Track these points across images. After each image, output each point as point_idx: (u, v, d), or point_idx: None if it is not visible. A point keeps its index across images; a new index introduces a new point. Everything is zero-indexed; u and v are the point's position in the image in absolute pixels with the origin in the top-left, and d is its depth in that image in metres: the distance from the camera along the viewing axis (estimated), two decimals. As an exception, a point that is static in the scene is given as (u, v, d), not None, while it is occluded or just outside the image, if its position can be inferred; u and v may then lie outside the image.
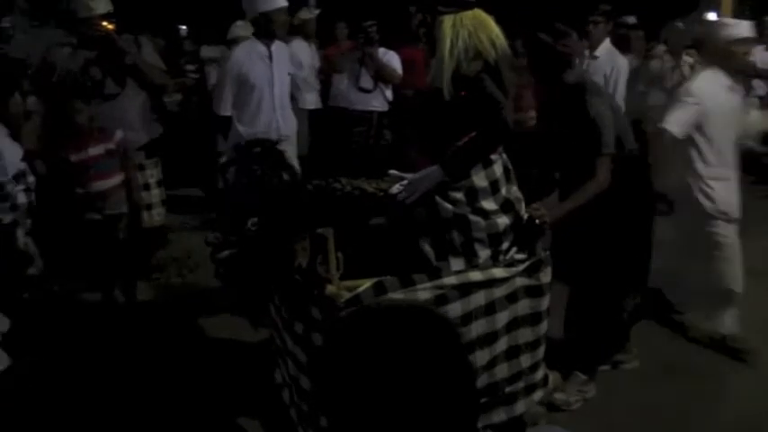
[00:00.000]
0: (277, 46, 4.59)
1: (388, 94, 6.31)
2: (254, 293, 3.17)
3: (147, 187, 5.17)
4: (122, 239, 4.50)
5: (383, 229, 2.89)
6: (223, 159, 4.66)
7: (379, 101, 6.28)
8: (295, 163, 4.60)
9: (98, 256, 4.47)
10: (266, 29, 4.46)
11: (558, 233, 3.16)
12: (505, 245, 2.85)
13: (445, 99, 2.72)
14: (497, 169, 2.86)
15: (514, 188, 2.95)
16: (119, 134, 4.52)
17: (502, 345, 2.84)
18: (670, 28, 6.87)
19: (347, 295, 2.49)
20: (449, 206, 2.78)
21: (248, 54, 4.50)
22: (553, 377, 3.27)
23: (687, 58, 6.58)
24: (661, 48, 7.13)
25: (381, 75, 6.09)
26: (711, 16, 9.25)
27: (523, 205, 2.96)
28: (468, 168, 2.78)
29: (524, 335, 2.90)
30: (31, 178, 4.18)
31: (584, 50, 5.82)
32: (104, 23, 4.65)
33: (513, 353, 2.89)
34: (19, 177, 4.10)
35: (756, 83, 7.92)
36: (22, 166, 4.13)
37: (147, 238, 5.19)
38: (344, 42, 7.52)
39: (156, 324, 4.45)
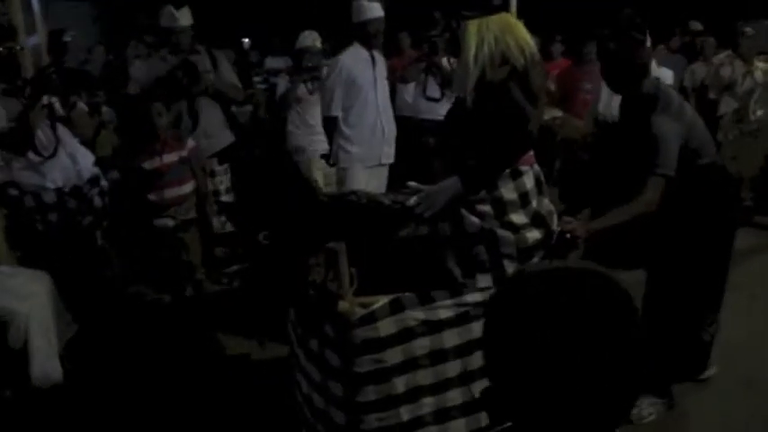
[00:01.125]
0: (377, 53, 4.82)
1: (455, 102, 6.34)
2: (267, 308, 3.11)
3: (217, 194, 5.30)
4: (192, 245, 4.61)
5: (405, 242, 2.75)
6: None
7: (446, 110, 6.29)
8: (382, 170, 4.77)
9: (168, 261, 4.55)
10: (367, 36, 4.69)
11: (631, 247, 3.05)
12: (535, 260, 2.70)
13: (468, 107, 2.64)
14: (528, 181, 2.73)
15: (546, 201, 2.82)
16: (191, 142, 4.65)
17: None
18: (740, 33, 6.72)
19: (361, 312, 2.42)
20: (475, 220, 2.65)
21: (354, 59, 4.71)
22: None
23: (760, 64, 6.43)
24: (725, 54, 6.99)
25: (448, 84, 6.13)
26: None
27: (555, 218, 2.82)
28: (489, 181, 2.66)
29: None
30: (104, 182, 4.34)
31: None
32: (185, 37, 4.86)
33: None
34: (93, 181, 4.26)
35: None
36: (96, 170, 4.30)
37: (218, 244, 5.29)
38: (409, 52, 7.58)
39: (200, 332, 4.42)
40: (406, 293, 2.49)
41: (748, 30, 6.68)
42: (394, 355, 2.47)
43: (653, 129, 3.00)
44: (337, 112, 4.72)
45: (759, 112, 6.37)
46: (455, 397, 2.60)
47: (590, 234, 2.79)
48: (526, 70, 2.62)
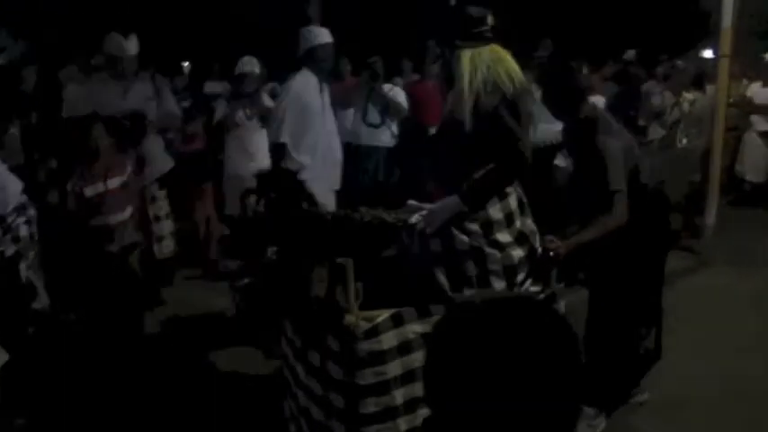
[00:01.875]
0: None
1: (395, 129, 6.41)
2: (269, 322, 3.18)
3: (157, 219, 5.26)
4: (134, 270, 4.55)
5: (397, 259, 2.91)
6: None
7: (386, 136, 6.40)
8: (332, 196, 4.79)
9: (109, 287, 4.47)
10: (316, 62, 4.66)
11: (571, 266, 3.19)
12: (520, 277, 2.84)
13: (465, 131, 2.75)
14: (512, 202, 2.87)
15: (529, 221, 2.96)
16: (129, 167, 4.61)
17: None
18: (670, 66, 7.04)
19: (366, 326, 2.51)
20: (465, 238, 2.79)
21: (305, 85, 4.66)
22: None
23: (687, 96, 6.72)
24: (654, 83, 7.32)
25: (388, 110, 6.20)
26: (708, 54, 9.42)
27: (538, 237, 2.97)
28: (487, 200, 2.81)
29: None
30: (32, 211, 4.21)
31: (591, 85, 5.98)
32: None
33: None
34: (20, 210, 4.14)
35: (755, 118, 8.05)
36: (23, 198, 4.17)
37: (158, 270, 5.23)
38: (349, 78, 7.64)
39: (166, 355, 4.46)
40: (406, 307, 2.60)
41: (680, 63, 7.02)
42: (395, 368, 2.57)
43: (599, 148, 3.23)
44: (286, 138, 4.62)
45: (684, 141, 6.66)
46: None
47: (570, 251, 2.99)
48: (515, 97, 2.77)
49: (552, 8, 16.02)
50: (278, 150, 4.68)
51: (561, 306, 2.90)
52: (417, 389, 2.60)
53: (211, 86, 9.48)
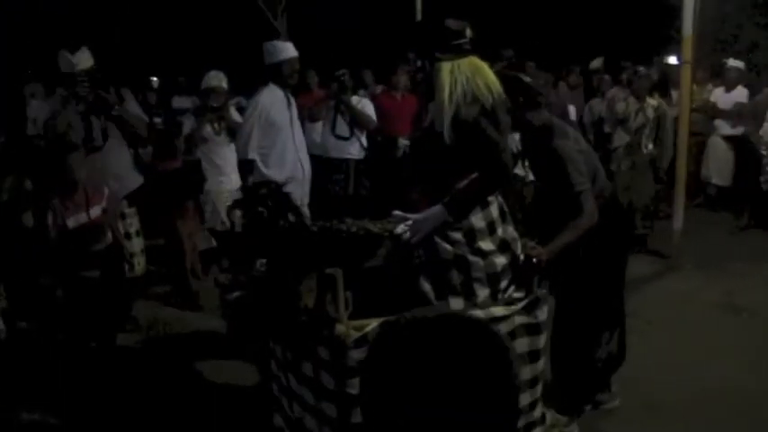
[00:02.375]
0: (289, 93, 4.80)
1: (364, 140, 6.41)
2: (259, 335, 3.19)
3: (128, 237, 5.21)
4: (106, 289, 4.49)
5: (383, 269, 2.94)
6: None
7: (355, 148, 6.41)
8: (305, 204, 4.74)
9: (83, 308, 4.40)
10: (282, 76, 4.66)
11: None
12: (503, 284, 2.90)
13: (446, 142, 2.79)
14: (494, 210, 2.92)
15: (510, 228, 3.00)
16: (106, 190, 4.61)
17: None
18: (633, 71, 7.13)
19: (356, 335, 2.53)
20: (448, 247, 2.83)
21: (272, 99, 4.65)
22: (550, 415, 3.29)
23: (651, 101, 6.81)
24: (618, 89, 7.42)
25: (357, 122, 6.21)
26: (672, 60, 9.56)
27: (519, 244, 3.02)
28: (471, 209, 2.85)
29: (523, 373, 2.87)
30: None
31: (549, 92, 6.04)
32: (87, 80, 4.78)
33: None
34: None
35: (719, 122, 8.18)
36: None
37: (129, 288, 5.17)
38: (317, 90, 7.65)
39: (151, 372, 4.40)
40: (395, 316, 2.59)
41: (642, 69, 7.10)
42: None
43: (558, 152, 3.30)
44: (253, 154, 4.62)
45: (650, 146, 6.75)
46: None
47: (552, 256, 3.06)
48: (494, 108, 2.82)
49: (516, 16, 16.21)
50: (245, 166, 4.67)
51: (544, 312, 2.93)
52: None
53: (179, 101, 9.46)
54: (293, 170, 4.70)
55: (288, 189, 4.54)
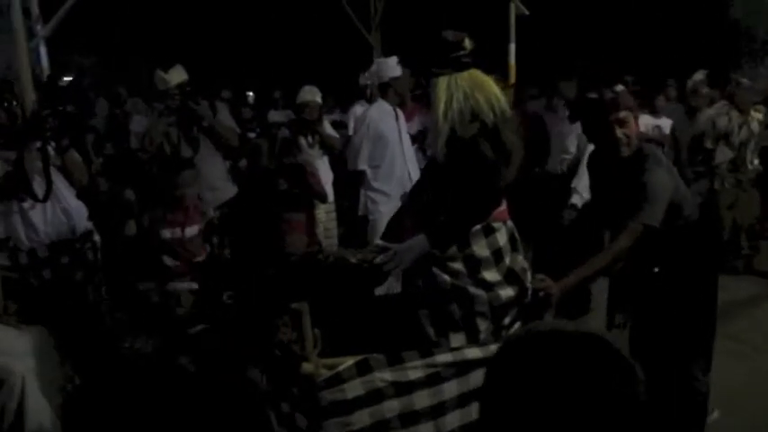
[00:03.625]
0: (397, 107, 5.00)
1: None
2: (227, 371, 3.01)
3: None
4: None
5: (378, 301, 2.76)
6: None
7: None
8: None
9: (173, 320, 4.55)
10: (390, 92, 4.94)
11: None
12: (509, 319, 2.69)
13: (439, 162, 2.63)
14: (501, 237, 2.72)
15: (520, 257, 2.80)
16: (210, 213, 4.74)
17: None
18: (735, 83, 6.82)
19: (326, 374, 2.34)
20: (447, 278, 2.65)
21: (380, 113, 4.90)
22: None
23: (756, 114, 6.51)
24: (722, 103, 7.10)
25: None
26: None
27: (529, 276, 2.79)
28: (457, 238, 2.64)
29: None
30: (96, 237, 4.32)
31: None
32: (177, 93, 4.97)
33: None
34: (86, 236, 4.23)
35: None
36: (89, 225, 4.28)
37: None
38: (410, 104, 7.67)
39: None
40: (374, 354, 2.41)
41: (744, 81, 6.79)
42: (362, 418, 2.37)
43: (646, 180, 2.93)
44: (363, 165, 4.88)
45: (756, 162, 6.44)
46: None
47: (564, 291, 2.71)
48: (496, 126, 2.63)
49: (609, 27, 15.88)
50: (357, 177, 4.95)
51: None
52: None
53: (274, 115, 9.69)
54: (402, 182, 4.88)
55: (396, 200, 4.75)
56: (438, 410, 2.46)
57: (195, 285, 4.49)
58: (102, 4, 13.01)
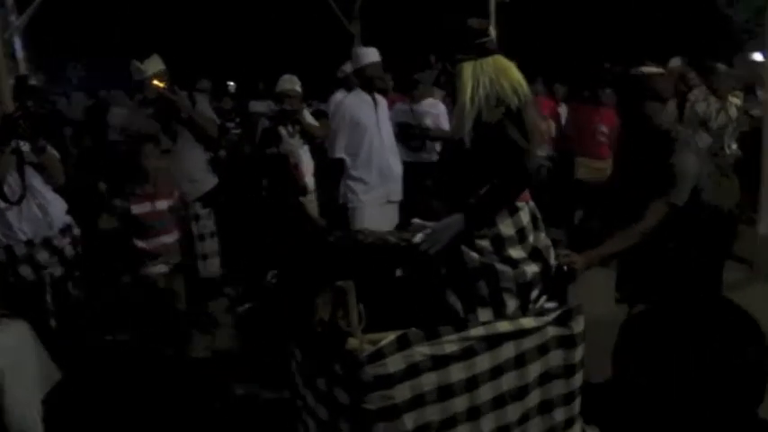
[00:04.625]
0: (377, 95, 5.03)
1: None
2: (273, 348, 3.09)
3: (202, 238, 5.32)
4: (178, 291, 4.61)
5: (408, 280, 2.83)
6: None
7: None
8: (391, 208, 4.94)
9: (152, 307, 4.55)
10: (366, 79, 4.93)
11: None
12: (534, 294, 2.79)
13: (467, 147, 2.71)
14: (524, 217, 2.82)
15: (543, 235, 2.89)
16: (176, 192, 4.71)
17: (534, 398, 2.71)
18: (712, 70, 6.86)
19: (369, 349, 2.42)
20: (475, 255, 2.75)
21: (357, 101, 4.92)
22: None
23: (734, 100, 6.56)
24: (699, 89, 7.14)
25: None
26: (758, 57, 9.17)
27: (552, 252, 2.90)
28: (491, 217, 2.74)
29: (558, 388, 2.74)
30: (76, 230, 4.30)
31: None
32: (157, 82, 4.93)
33: (546, 407, 2.75)
34: (65, 231, 4.22)
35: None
36: (68, 219, 4.26)
37: (204, 289, 5.28)
38: (392, 94, 7.67)
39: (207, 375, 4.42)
40: (413, 329, 2.50)
41: (720, 66, 6.83)
42: (403, 392, 2.47)
43: (676, 162, 3.09)
44: (341, 153, 4.87)
45: (734, 147, 6.49)
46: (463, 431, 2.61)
47: (591, 263, 2.91)
48: (519, 110, 2.72)
49: (590, 14, 15.94)
50: (336, 165, 4.93)
51: (580, 323, 2.73)
52: (429, 413, 2.52)
53: (256, 106, 9.65)
54: (381, 171, 4.91)
55: (375, 188, 4.87)
56: (471, 383, 2.56)
57: (166, 269, 4.48)
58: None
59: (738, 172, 6.60)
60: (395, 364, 2.44)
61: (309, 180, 5.79)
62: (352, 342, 2.46)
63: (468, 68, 2.75)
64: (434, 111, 6.43)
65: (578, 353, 2.75)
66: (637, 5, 15.95)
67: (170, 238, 4.60)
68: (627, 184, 3.39)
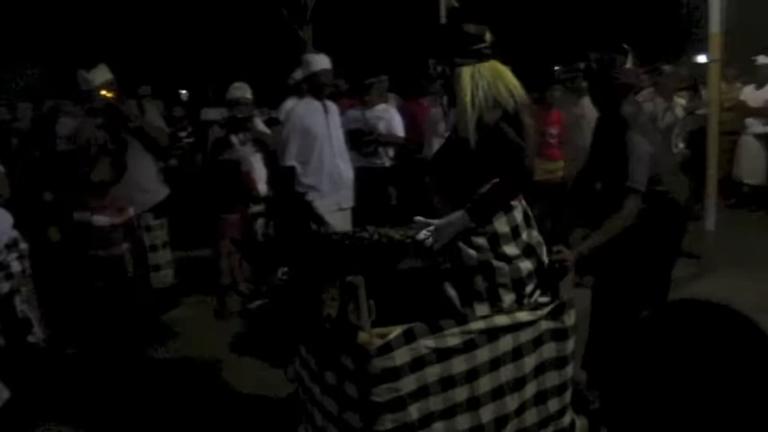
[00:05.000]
0: (328, 101, 4.98)
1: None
2: (283, 344, 3.20)
3: (154, 249, 5.26)
4: (131, 302, 4.54)
5: (408, 275, 2.93)
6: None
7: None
8: (343, 214, 4.90)
9: (107, 318, 4.47)
10: (316, 86, 4.87)
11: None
12: (529, 289, 2.89)
13: (470, 147, 2.79)
14: (518, 215, 2.91)
15: (534, 232, 2.99)
16: (131, 210, 4.67)
17: (531, 390, 2.87)
18: (659, 71, 7.02)
19: (379, 342, 2.53)
20: (473, 252, 2.83)
21: (307, 108, 4.86)
22: (580, 423, 3.21)
23: (679, 100, 6.72)
24: (647, 90, 7.31)
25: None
26: (701, 59, 9.43)
27: (545, 249, 3.01)
28: (493, 214, 2.84)
29: (551, 379, 2.91)
30: (23, 245, 4.20)
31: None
32: (104, 92, 4.86)
33: (541, 398, 2.91)
34: (11, 246, 4.12)
35: (750, 121, 8.05)
36: (14, 233, 4.16)
37: (157, 299, 5.22)
38: (345, 99, 7.67)
39: (176, 379, 4.44)
40: (418, 323, 2.62)
41: (666, 68, 7.00)
42: (408, 384, 2.59)
43: (629, 146, 3.30)
44: (292, 161, 4.81)
45: (681, 146, 6.64)
46: (463, 422, 2.73)
47: (579, 258, 3.05)
48: (516, 112, 2.82)
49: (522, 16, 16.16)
50: (286, 173, 4.85)
51: (571, 317, 2.92)
52: (432, 403, 2.65)
53: (208, 113, 9.56)
54: (332, 177, 4.87)
55: (327, 195, 4.82)
56: (472, 375, 2.72)
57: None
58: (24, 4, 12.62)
59: (686, 170, 6.75)
60: (402, 356, 2.57)
61: (262, 188, 5.74)
62: (362, 336, 2.57)
63: (466, 72, 2.84)
64: (386, 116, 6.44)
65: (570, 345, 2.94)
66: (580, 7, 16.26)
67: (119, 250, 4.53)
68: (597, 170, 3.62)
